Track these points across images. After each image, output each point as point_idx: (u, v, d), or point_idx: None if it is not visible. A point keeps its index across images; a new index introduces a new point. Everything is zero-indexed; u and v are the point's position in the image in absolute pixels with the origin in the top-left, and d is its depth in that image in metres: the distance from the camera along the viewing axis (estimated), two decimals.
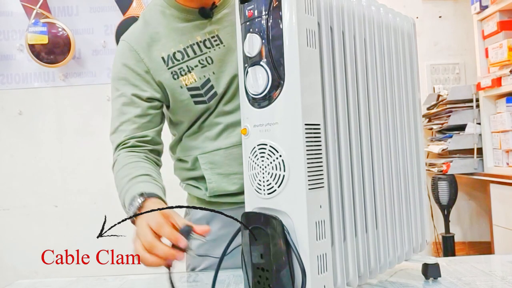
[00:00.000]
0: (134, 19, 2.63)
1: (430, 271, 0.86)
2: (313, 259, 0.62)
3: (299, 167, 0.62)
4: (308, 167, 0.62)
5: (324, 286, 0.64)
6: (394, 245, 0.81)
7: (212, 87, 1.03)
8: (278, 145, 0.63)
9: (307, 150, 0.62)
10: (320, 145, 0.64)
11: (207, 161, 1.06)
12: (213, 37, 1.04)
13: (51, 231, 2.77)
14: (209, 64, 1.03)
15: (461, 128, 2.43)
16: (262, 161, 0.65)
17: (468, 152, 2.42)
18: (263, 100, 0.65)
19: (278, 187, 0.63)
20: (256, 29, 0.65)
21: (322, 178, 0.64)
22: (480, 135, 2.39)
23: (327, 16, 0.68)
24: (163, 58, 1.02)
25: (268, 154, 0.64)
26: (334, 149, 0.68)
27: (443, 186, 2.44)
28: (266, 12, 0.64)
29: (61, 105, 2.80)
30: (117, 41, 2.69)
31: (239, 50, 0.70)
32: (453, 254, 2.48)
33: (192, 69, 1.02)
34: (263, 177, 0.65)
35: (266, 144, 0.64)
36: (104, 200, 2.76)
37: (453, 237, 2.49)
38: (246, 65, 0.68)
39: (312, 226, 0.62)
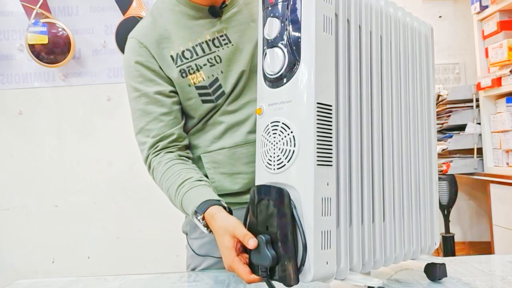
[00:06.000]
0: (134, 19, 2.66)
1: (439, 272, 0.86)
2: (317, 234, 0.64)
3: (308, 142, 0.64)
4: (317, 144, 0.64)
5: (327, 263, 0.65)
6: (401, 241, 0.81)
7: (220, 86, 1.03)
8: (290, 122, 0.66)
9: (317, 128, 0.64)
10: (330, 126, 0.67)
11: (210, 160, 1.06)
12: (221, 36, 1.03)
13: (51, 231, 2.77)
14: (217, 63, 1.02)
15: (461, 128, 2.43)
16: (274, 137, 0.68)
17: (468, 152, 2.42)
18: (279, 80, 0.68)
19: (288, 161, 0.66)
20: (277, 14, 0.69)
21: (331, 156, 0.66)
22: (480, 135, 2.39)
23: (345, 8, 0.71)
24: (172, 56, 1.01)
25: (280, 131, 0.67)
26: (345, 138, 0.70)
27: (443, 186, 2.44)
28: None
29: (61, 105, 2.80)
30: (117, 41, 2.69)
31: (259, 34, 0.73)
32: (453, 254, 2.48)
33: (201, 67, 1.02)
34: (274, 153, 0.67)
35: (278, 122, 0.67)
36: (104, 200, 2.77)
37: (453, 237, 2.49)
38: (265, 47, 0.72)
39: (318, 201, 0.64)
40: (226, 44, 1.03)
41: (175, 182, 0.95)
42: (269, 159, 0.68)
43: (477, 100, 2.39)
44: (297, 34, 0.66)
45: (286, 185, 0.66)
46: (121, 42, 2.68)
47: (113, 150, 2.78)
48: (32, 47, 2.60)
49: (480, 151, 2.39)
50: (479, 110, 2.39)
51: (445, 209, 2.48)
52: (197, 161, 1.08)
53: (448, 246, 2.47)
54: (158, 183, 1.00)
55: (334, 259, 0.67)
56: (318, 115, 0.65)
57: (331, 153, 0.66)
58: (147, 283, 0.99)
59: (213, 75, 1.02)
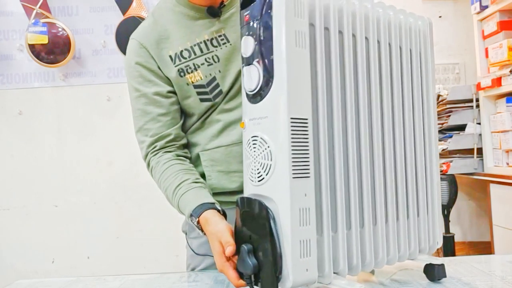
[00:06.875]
0: (134, 19, 2.66)
1: (437, 272, 0.87)
2: (295, 243, 0.66)
3: (284, 156, 0.67)
4: (292, 157, 0.67)
5: (307, 270, 0.68)
6: (395, 244, 0.81)
7: (217, 85, 1.05)
8: (267, 137, 0.69)
9: (292, 142, 0.67)
10: (306, 139, 0.69)
11: (208, 158, 1.07)
12: (220, 36, 1.05)
13: (51, 231, 2.77)
14: (215, 62, 1.04)
15: (461, 128, 2.43)
16: (254, 151, 0.71)
17: (468, 152, 2.42)
18: (256, 96, 0.71)
19: (266, 175, 0.69)
20: (251, 32, 0.72)
21: (308, 168, 0.68)
22: (480, 135, 2.39)
23: (321, 17, 0.71)
24: (170, 56, 1.03)
25: (259, 145, 0.70)
26: (325, 147, 0.71)
27: (443, 186, 2.44)
28: (259, 17, 0.70)
29: (61, 105, 2.80)
30: (117, 41, 2.69)
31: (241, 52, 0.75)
32: (453, 254, 2.48)
33: (199, 67, 1.03)
34: (254, 166, 0.71)
35: (257, 136, 0.70)
36: (104, 200, 2.77)
37: (453, 237, 2.49)
38: (243, 64, 0.74)
39: (295, 212, 0.66)
40: (224, 43, 1.04)
41: (172, 183, 0.97)
42: (251, 172, 0.72)
43: (477, 100, 2.39)
44: (269, 51, 0.69)
45: (266, 197, 0.69)
46: (121, 42, 2.68)
47: (113, 150, 2.78)
48: (32, 47, 2.60)
49: (480, 151, 2.39)
50: (479, 110, 2.39)
51: (445, 209, 2.49)
52: (196, 159, 1.09)
53: (448, 246, 2.47)
54: (157, 182, 1.03)
55: (315, 266, 0.69)
56: (292, 130, 0.67)
57: (307, 165, 0.68)
58: (147, 283, 1.00)
59: (210, 74, 1.04)
